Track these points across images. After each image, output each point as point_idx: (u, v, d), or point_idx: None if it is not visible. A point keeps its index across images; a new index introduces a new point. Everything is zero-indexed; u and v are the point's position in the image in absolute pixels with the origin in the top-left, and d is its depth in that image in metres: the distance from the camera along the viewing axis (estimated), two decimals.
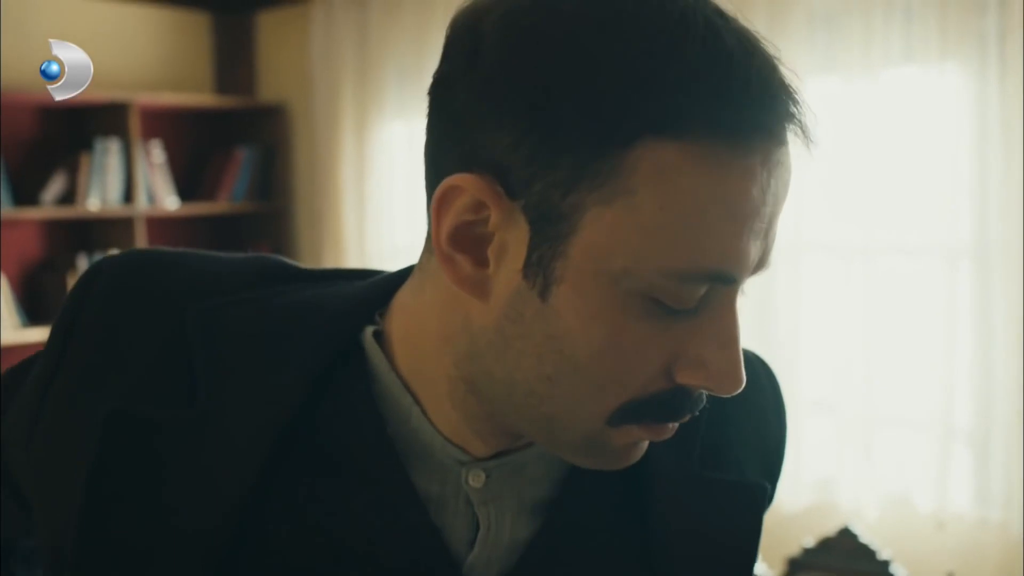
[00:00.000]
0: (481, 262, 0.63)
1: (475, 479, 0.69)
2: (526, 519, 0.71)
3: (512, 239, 0.62)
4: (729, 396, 0.64)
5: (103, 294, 0.72)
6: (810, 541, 2.67)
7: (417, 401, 0.69)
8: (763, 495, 0.76)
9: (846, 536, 2.60)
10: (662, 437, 0.66)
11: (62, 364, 0.71)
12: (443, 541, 0.69)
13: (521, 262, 0.61)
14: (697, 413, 0.66)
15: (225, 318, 0.71)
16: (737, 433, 0.78)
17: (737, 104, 0.58)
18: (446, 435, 0.69)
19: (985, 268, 2.87)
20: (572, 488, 0.72)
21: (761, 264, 0.63)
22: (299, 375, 0.69)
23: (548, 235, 0.60)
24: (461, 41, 0.63)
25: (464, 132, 0.62)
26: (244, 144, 4.60)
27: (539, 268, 0.61)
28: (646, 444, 0.68)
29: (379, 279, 0.76)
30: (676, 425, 0.66)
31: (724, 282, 0.61)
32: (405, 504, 0.68)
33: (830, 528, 2.70)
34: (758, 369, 0.82)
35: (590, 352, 0.61)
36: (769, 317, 3.20)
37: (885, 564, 2.54)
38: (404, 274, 0.74)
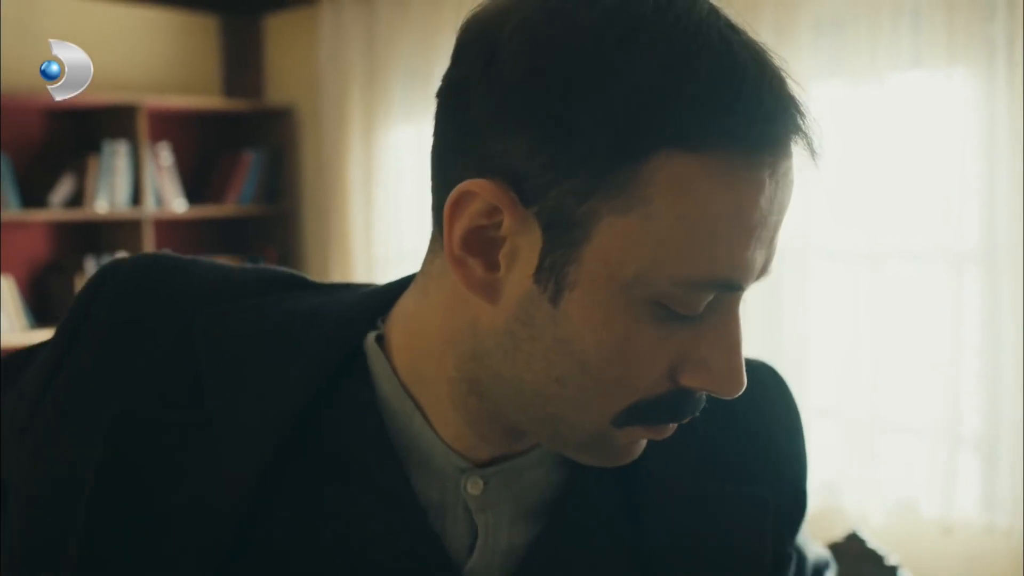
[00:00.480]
0: (492, 266, 0.64)
1: (473, 486, 0.70)
2: (523, 524, 0.71)
3: (524, 244, 0.62)
4: (731, 399, 0.65)
5: (112, 297, 0.73)
6: None
7: (418, 406, 0.70)
8: (763, 505, 0.76)
9: (854, 541, 2.59)
10: (663, 436, 0.68)
11: (67, 362, 0.72)
12: (442, 547, 0.69)
13: (533, 267, 0.62)
14: (697, 414, 0.67)
15: (231, 323, 0.72)
16: (745, 444, 0.78)
17: (750, 118, 0.59)
18: (447, 440, 0.70)
19: (992, 273, 2.86)
20: (569, 493, 0.73)
21: (764, 270, 0.64)
22: (303, 379, 0.70)
23: (562, 242, 0.61)
24: (476, 47, 0.63)
25: (477, 138, 0.62)
26: (252, 147, 4.61)
27: (551, 273, 0.61)
28: (645, 442, 0.69)
29: (382, 285, 0.77)
30: (676, 425, 0.67)
31: (731, 289, 0.62)
32: (405, 510, 0.69)
33: (836, 533, 2.69)
34: (767, 379, 0.83)
35: (599, 356, 0.62)
36: (776, 322, 3.19)
37: (893, 570, 2.52)
38: (407, 281, 0.74)
